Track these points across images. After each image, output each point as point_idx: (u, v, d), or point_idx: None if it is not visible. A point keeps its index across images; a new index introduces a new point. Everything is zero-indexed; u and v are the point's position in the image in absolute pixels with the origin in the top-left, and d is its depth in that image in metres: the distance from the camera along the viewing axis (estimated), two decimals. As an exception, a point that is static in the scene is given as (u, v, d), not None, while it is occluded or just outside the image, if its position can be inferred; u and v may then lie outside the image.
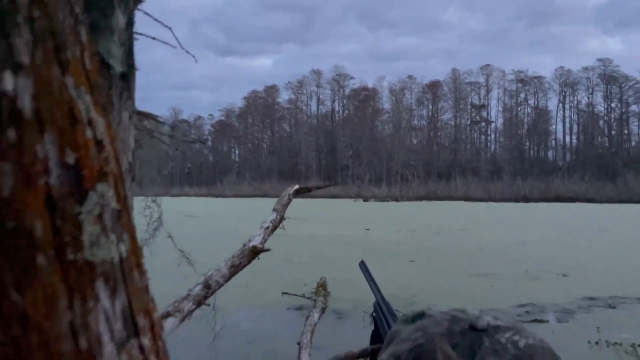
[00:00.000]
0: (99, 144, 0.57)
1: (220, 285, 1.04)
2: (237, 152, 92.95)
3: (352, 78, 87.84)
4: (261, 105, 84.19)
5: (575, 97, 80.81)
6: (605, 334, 6.72)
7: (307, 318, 1.46)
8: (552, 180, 63.53)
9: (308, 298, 1.61)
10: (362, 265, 1.48)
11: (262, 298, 8.21)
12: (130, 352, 0.54)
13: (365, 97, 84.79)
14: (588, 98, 79.67)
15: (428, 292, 8.67)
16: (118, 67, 0.83)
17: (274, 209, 1.42)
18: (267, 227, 1.34)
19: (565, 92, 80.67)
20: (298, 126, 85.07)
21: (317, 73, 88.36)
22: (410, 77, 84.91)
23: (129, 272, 0.58)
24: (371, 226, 20.81)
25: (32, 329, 0.46)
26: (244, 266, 1.23)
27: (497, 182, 66.61)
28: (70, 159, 0.52)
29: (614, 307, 8.33)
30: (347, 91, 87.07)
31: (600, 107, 79.40)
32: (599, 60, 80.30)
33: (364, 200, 52.52)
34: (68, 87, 0.54)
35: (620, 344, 6.29)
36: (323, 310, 1.52)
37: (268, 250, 1.27)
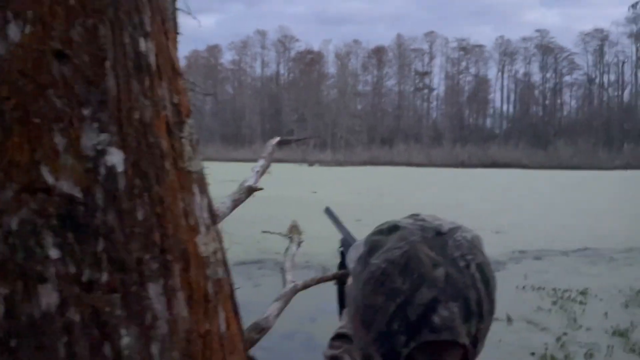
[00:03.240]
0: (185, 90, 0.80)
1: (225, 215, 1.26)
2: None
3: (297, 40, 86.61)
4: (203, 65, 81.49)
5: (514, 67, 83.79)
6: (531, 280, 7.46)
7: (286, 250, 1.73)
8: (489, 147, 66.22)
9: (284, 235, 1.86)
10: (328, 210, 1.73)
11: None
12: (212, 234, 0.78)
13: (310, 60, 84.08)
14: (525, 67, 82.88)
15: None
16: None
17: (262, 157, 1.65)
18: (257, 171, 1.57)
19: (504, 61, 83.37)
20: (242, 88, 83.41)
21: (262, 33, 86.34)
22: (355, 41, 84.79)
23: (206, 182, 0.82)
24: (317, 189, 21.23)
25: (166, 208, 0.68)
26: (242, 201, 1.46)
27: (438, 148, 68.67)
28: (175, 99, 0.75)
29: (540, 259, 9.17)
30: (293, 54, 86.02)
31: (537, 77, 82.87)
32: (537, 31, 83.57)
33: (309, 165, 52.81)
34: (170, 48, 0.76)
35: (543, 288, 7.04)
36: (299, 244, 1.78)
37: (261, 189, 1.51)
